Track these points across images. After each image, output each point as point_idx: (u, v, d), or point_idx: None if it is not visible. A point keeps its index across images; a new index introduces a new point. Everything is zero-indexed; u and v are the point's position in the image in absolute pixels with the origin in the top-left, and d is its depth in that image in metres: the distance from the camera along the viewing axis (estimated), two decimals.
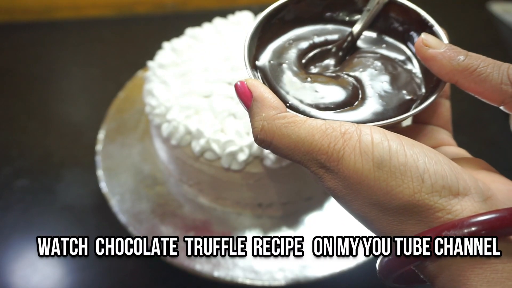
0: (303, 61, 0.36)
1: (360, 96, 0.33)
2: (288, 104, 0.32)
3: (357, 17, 0.37)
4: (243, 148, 0.51)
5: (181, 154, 0.54)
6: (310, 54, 0.36)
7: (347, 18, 0.38)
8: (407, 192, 0.26)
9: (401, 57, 0.36)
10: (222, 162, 0.51)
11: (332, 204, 0.58)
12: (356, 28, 0.36)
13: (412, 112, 0.31)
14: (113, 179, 0.59)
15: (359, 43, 0.37)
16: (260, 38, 0.36)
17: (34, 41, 0.87)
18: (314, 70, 0.36)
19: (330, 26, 0.38)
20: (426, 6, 0.37)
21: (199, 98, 0.54)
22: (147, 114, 0.57)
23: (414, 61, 0.35)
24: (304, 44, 0.37)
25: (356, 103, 0.33)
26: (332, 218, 0.56)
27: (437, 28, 0.34)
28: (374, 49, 0.36)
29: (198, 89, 0.55)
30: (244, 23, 0.64)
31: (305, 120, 0.28)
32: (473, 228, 0.25)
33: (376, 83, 0.34)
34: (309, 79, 0.34)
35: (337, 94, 0.33)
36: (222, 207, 0.57)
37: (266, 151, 0.50)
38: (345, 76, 0.35)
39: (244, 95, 0.31)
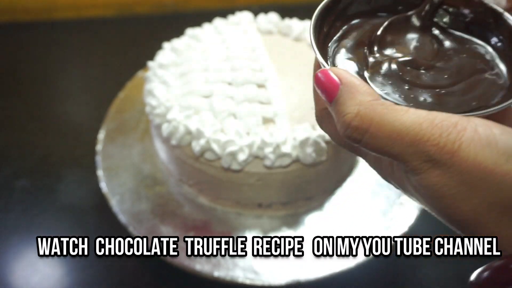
0: (378, 43, 0.32)
1: (447, 87, 0.30)
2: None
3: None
4: (243, 148, 0.51)
5: (181, 154, 0.54)
6: (384, 29, 0.33)
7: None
8: None
9: (483, 51, 0.33)
10: (222, 162, 0.51)
11: (332, 204, 0.58)
12: None
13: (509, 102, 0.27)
14: (113, 179, 0.59)
15: (443, 37, 0.34)
16: (322, 26, 0.32)
17: (34, 41, 0.87)
18: (392, 51, 0.32)
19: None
20: None
21: (199, 98, 0.54)
22: (147, 114, 0.57)
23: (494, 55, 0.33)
24: (376, 21, 0.33)
25: (443, 92, 0.30)
26: (332, 218, 0.56)
27: (507, 15, 0.32)
28: (456, 40, 0.33)
29: (198, 89, 0.55)
30: (244, 23, 0.65)
31: (408, 109, 0.25)
32: None
33: (459, 76, 0.31)
34: (391, 67, 0.31)
35: (422, 84, 0.30)
36: (222, 207, 0.57)
37: (267, 151, 0.50)
38: (432, 64, 0.31)
39: (330, 83, 0.26)
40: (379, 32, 0.33)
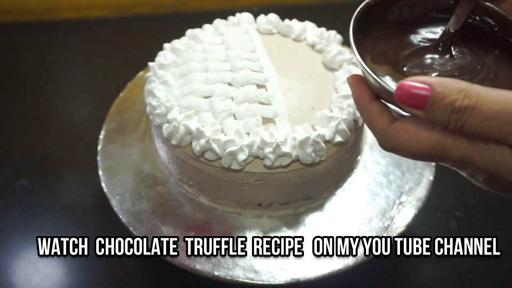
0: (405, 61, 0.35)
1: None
2: None
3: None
4: (243, 148, 0.51)
5: (181, 154, 0.54)
6: (408, 52, 0.35)
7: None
8: None
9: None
10: (222, 162, 0.51)
11: (332, 204, 0.58)
12: (451, 24, 0.35)
13: None
14: (113, 179, 0.59)
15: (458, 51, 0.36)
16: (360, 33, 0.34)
17: (35, 41, 0.87)
18: (414, 69, 0.34)
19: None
20: None
21: (199, 98, 0.54)
22: (147, 114, 0.57)
23: None
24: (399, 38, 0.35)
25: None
26: (332, 218, 0.56)
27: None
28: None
29: (198, 89, 0.55)
30: (244, 24, 0.65)
31: (502, 90, 0.27)
32: None
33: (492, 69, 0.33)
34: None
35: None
36: (222, 207, 0.57)
37: (267, 151, 0.50)
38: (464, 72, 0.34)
39: (418, 89, 0.27)
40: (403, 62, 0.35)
